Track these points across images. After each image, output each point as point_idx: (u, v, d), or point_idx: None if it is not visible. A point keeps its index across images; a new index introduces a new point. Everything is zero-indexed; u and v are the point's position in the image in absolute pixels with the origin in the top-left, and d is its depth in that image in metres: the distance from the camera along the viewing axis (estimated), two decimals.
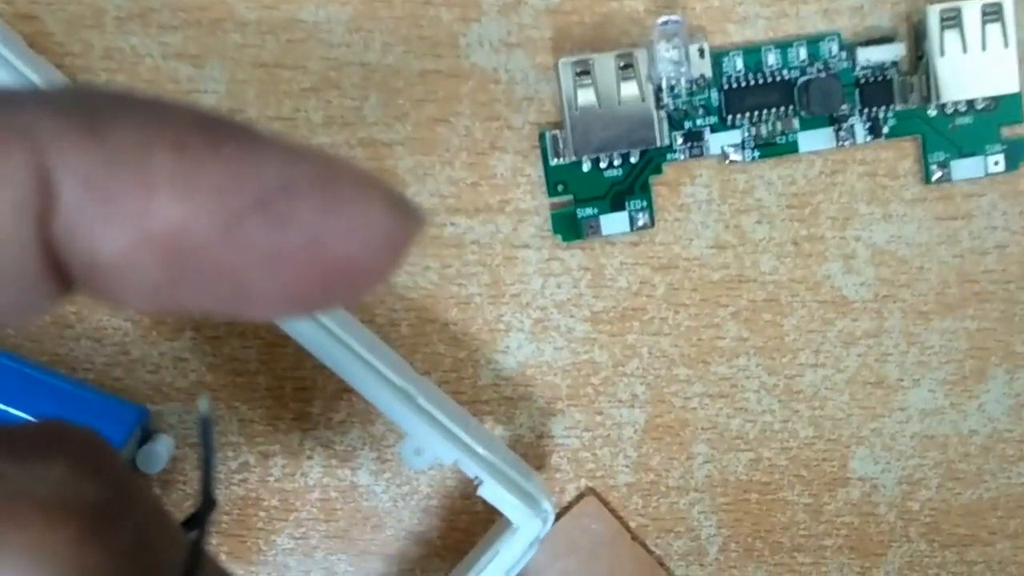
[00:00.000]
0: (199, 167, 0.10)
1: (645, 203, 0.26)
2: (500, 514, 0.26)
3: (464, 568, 0.26)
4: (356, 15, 0.26)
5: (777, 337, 0.27)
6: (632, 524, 0.28)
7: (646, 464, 0.28)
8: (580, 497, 0.27)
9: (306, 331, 0.24)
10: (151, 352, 0.27)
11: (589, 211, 0.26)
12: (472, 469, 0.24)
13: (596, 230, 0.26)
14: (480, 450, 0.24)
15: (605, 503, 0.28)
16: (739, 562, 0.28)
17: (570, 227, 0.26)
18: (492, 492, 0.24)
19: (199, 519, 0.13)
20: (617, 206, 0.26)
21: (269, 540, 0.27)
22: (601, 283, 0.27)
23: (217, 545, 0.27)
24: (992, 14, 0.25)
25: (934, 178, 0.26)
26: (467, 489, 0.27)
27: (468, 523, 0.28)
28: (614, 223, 0.26)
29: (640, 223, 0.26)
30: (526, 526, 0.24)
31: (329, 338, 0.24)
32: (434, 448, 0.24)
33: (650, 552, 0.28)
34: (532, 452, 0.27)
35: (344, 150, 0.26)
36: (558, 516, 0.27)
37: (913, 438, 0.28)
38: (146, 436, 0.27)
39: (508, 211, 0.26)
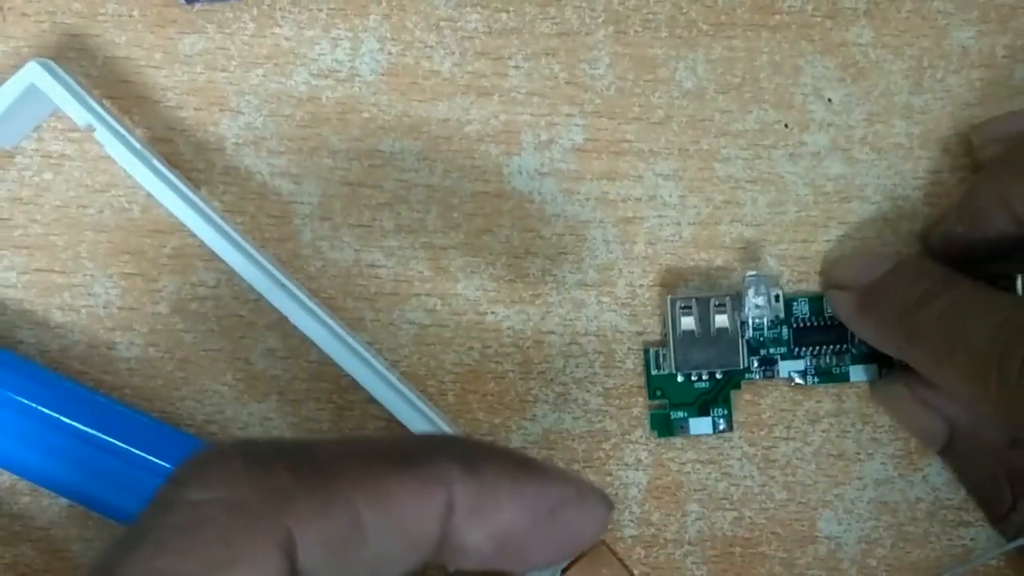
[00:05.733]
0: (527, 493, 0.18)
1: (725, 411, 0.32)
2: None
3: None
4: (424, 148, 0.32)
5: (756, 414, 0.32)
6: (636, 572, 0.32)
7: (648, 519, 0.32)
8: (592, 546, 0.32)
9: (383, 392, 0.30)
10: (242, 411, 0.32)
11: (681, 414, 0.32)
12: None
13: (686, 430, 0.32)
14: None
15: (613, 552, 0.32)
16: None
17: (664, 425, 0.32)
18: None
19: None
20: (703, 412, 0.32)
21: None
22: (612, 364, 0.32)
23: None
24: (1004, 286, 0.30)
25: None
26: None
27: None
28: (700, 426, 0.32)
29: (721, 427, 0.32)
30: None
31: (400, 399, 0.30)
32: None
33: None
34: None
35: (410, 251, 0.32)
36: (574, 561, 0.32)
37: (869, 503, 0.32)
38: None
39: (537, 304, 0.32)
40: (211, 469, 0.16)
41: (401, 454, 0.18)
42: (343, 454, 0.17)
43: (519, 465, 0.19)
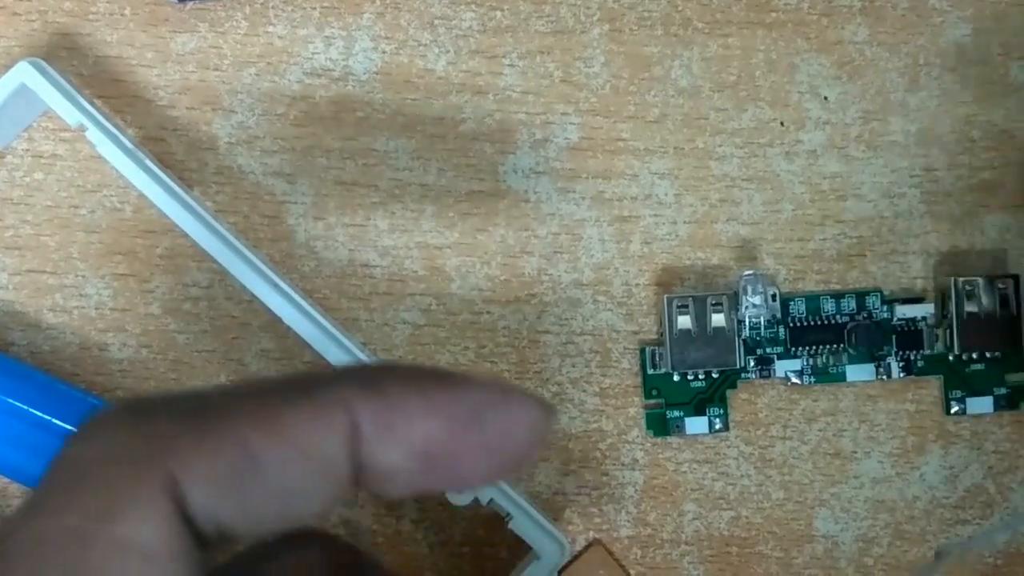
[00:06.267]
0: (439, 401, 0.17)
1: (721, 411, 0.32)
2: (520, 558, 0.31)
3: None
4: (418, 146, 0.32)
5: (752, 414, 0.32)
6: (632, 572, 0.32)
7: (644, 519, 0.32)
8: (589, 546, 0.32)
9: None
10: None
11: (677, 413, 0.32)
12: (505, 506, 0.29)
13: (681, 430, 0.31)
14: (511, 491, 0.29)
15: (610, 553, 0.32)
16: None
17: (660, 425, 0.31)
18: (520, 525, 0.29)
19: None
20: (699, 412, 0.32)
21: None
22: (608, 364, 0.32)
23: None
24: (1002, 287, 0.31)
25: (952, 411, 0.32)
26: (493, 537, 0.32)
27: (494, 567, 0.32)
28: (696, 425, 0.31)
29: (717, 427, 0.32)
30: (548, 555, 0.29)
31: None
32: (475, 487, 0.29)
33: None
34: (549, 506, 0.32)
35: (405, 251, 0.32)
36: (570, 562, 0.31)
37: (866, 502, 0.32)
38: None
39: (533, 303, 0.32)
40: (94, 426, 0.16)
41: (295, 385, 0.17)
42: (233, 393, 0.17)
43: (429, 376, 0.17)
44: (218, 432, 0.16)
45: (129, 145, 0.30)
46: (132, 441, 0.16)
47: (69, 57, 0.31)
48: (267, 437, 0.16)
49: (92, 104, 0.30)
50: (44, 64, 0.29)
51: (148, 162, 0.30)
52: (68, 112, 0.29)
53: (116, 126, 0.30)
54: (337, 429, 0.16)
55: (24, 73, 0.29)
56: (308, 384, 0.17)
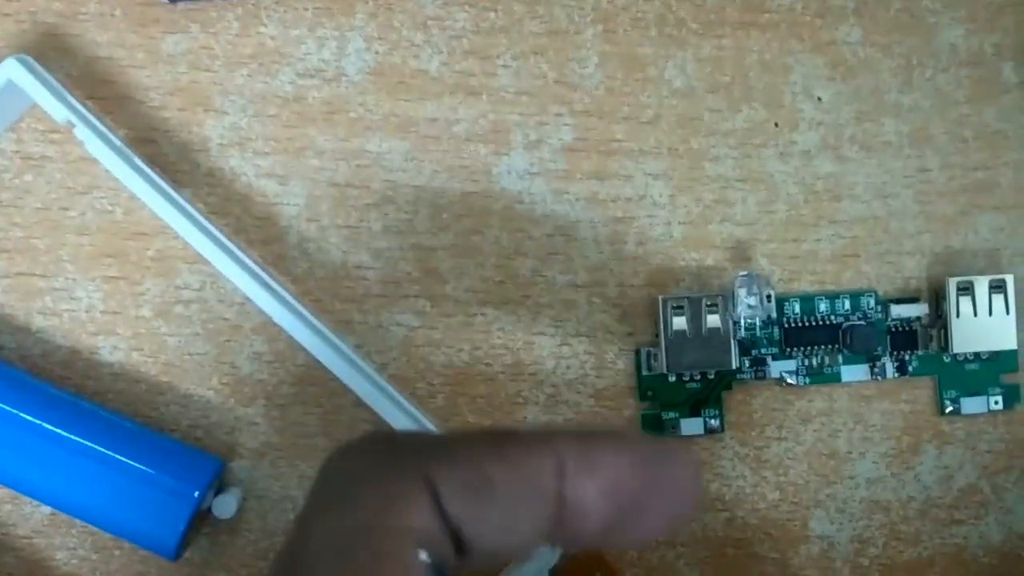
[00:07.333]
0: (626, 445, 0.19)
1: (717, 412, 0.31)
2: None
3: None
4: (412, 148, 0.32)
5: (747, 415, 0.32)
6: (628, 574, 0.32)
7: None
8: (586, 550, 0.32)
9: (372, 396, 0.29)
10: (228, 416, 0.31)
11: (672, 415, 0.31)
12: None
13: (677, 431, 0.31)
14: None
15: (606, 555, 0.32)
16: None
17: (656, 426, 0.31)
18: None
19: None
20: (695, 413, 0.31)
21: None
22: (603, 366, 0.32)
23: None
24: (997, 287, 0.31)
25: (947, 411, 0.32)
26: None
27: None
28: (691, 426, 0.31)
29: (712, 428, 0.31)
30: (541, 555, 0.28)
31: (389, 401, 0.29)
32: None
33: None
34: None
35: (399, 253, 0.31)
36: (566, 566, 0.31)
37: (861, 502, 0.32)
38: (220, 487, 0.31)
39: (528, 305, 0.32)
40: (351, 448, 0.19)
41: (507, 431, 0.19)
42: (458, 432, 0.20)
43: (612, 431, 0.21)
44: (460, 452, 0.19)
45: (118, 143, 0.29)
46: (390, 455, 0.19)
47: (59, 58, 0.31)
48: (496, 461, 0.18)
49: (81, 103, 0.29)
50: (31, 61, 0.29)
51: (139, 163, 0.29)
52: (55, 108, 0.29)
53: (106, 126, 0.29)
54: (548, 460, 0.19)
55: (11, 69, 0.28)
56: (514, 430, 0.20)
